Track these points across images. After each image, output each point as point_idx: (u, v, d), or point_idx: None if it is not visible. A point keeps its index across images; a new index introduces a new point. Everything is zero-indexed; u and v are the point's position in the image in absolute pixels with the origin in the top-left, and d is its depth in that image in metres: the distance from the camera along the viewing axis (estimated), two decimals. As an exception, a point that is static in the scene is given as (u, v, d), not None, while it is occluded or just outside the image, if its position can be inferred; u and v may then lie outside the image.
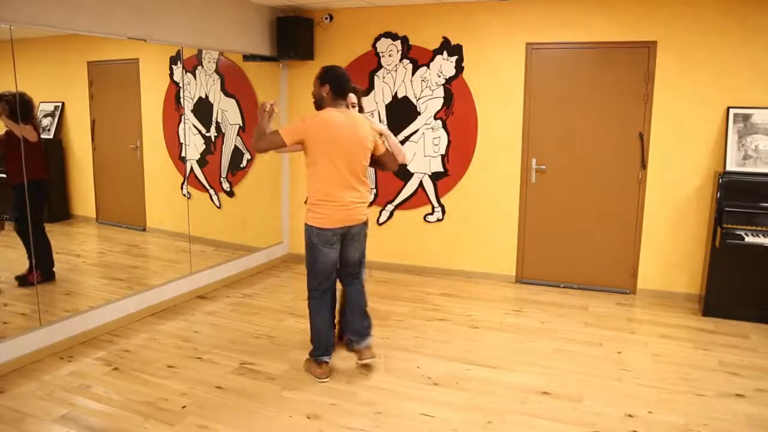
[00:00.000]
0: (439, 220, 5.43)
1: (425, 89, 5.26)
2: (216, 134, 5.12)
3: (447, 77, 5.18)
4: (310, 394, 3.18)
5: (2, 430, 2.81)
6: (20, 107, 3.50)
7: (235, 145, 5.32)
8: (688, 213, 4.65)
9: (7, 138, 3.53)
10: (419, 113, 5.30)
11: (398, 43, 5.28)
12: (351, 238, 3.33)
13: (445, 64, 5.17)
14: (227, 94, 5.18)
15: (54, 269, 3.92)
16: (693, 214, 4.63)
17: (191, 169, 4.92)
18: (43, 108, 4.04)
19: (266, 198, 5.77)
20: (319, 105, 3.30)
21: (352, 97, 3.43)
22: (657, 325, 4.23)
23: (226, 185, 5.27)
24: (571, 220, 5.01)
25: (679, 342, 3.94)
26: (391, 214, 5.58)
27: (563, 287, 5.10)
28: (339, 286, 3.54)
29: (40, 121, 3.99)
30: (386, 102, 5.41)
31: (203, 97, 4.95)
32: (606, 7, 4.64)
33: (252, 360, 3.62)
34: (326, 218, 3.21)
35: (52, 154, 4.12)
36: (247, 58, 5.27)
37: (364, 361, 3.43)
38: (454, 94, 5.17)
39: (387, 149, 3.43)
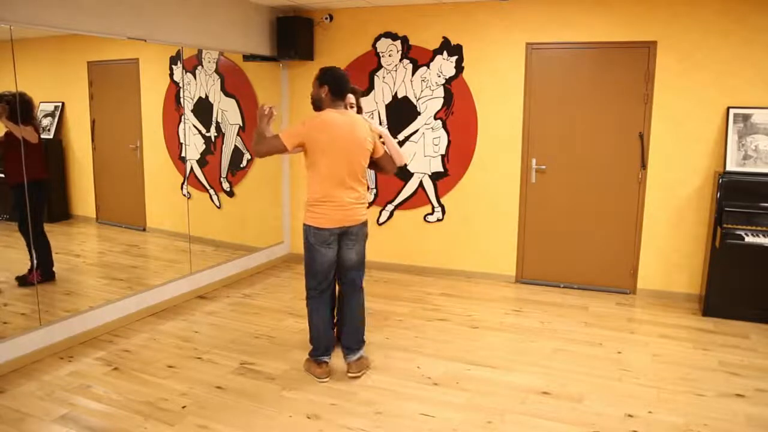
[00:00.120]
0: (439, 220, 5.43)
1: (425, 89, 5.26)
2: (216, 134, 5.12)
3: (447, 77, 5.18)
4: (310, 394, 3.18)
5: (2, 430, 2.81)
6: (20, 107, 3.50)
7: (235, 145, 5.32)
8: (688, 213, 4.65)
9: (6, 139, 3.52)
10: (419, 113, 5.30)
11: (398, 43, 5.28)
12: (349, 238, 3.32)
13: (445, 64, 5.17)
14: (227, 94, 5.18)
15: (54, 269, 3.92)
16: (693, 214, 4.63)
17: (191, 169, 4.92)
18: (43, 108, 4.04)
19: (266, 198, 5.77)
20: (317, 106, 3.30)
21: (351, 98, 3.44)
22: (657, 325, 4.23)
23: (226, 185, 5.27)
24: (571, 220, 5.01)
25: (679, 342, 3.94)
26: (391, 214, 5.58)
27: (563, 287, 5.10)
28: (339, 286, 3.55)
29: (40, 121, 3.99)
30: (386, 102, 5.41)
31: (203, 97, 4.96)
32: (606, 7, 4.64)
33: (252, 360, 3.62)
34: (324, 218, 3.21)
35: (52, 154, 4.12)
36: (247, 58, 5.27)
37: (352, 375, 3.37)
38: (454, 94, 5.17)
39: (385, 152, 3.43)
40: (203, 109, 4.97)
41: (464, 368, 3.51)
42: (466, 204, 5.31)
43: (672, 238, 4.73)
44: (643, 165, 4.74)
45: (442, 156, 5.29)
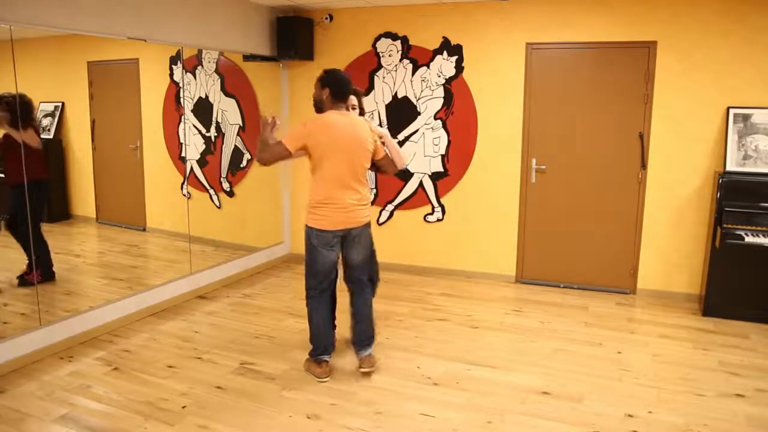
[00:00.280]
0: (439, 220, 5.43)
1: (425, 89, 5.26)
2: (216, 134, 5.12)
3: (447, 77, 5.18)
4: (310, 394, 3.18)
5: (2, 430, 2.81)
6: (20, 109, 3.50)
7: (235, 145, 5.32)
8: (688, 213, 4.65)
9: (6, 140, 3.52)
10: (419, 113, 5.30)
11: (398, 43, 5.28)
12: (352, 240, 3.32)
13: (445, 64, 5.17)
14: (227, 94, 5.18)
15: (54, 269, 3.92)
16: (693, 214, 4.63)
17: (191, 169, 4.92)
18: (43, 108, 4.04)
19: (266, 198, 5.77)
20: (319, 108, 3.30)
21: (353, 99, 3.44)
22: (657, 325, 4.23)
23: (226, 185, 5.27)
24: (571, 220, 5.01)
25: (679, 342, 3.94)
26: (391, 214, 5.58)
27: (563, 287, 5.10)
28: (344, 286, 3.55)
29: (40, 122, 3.99)
30: (386, 102, 5.41)
31: (203, 97, 4.95)
32: (606, 7, 4.64)
33: (252, 360, 3.62)
34: (327, 220, 3.21)
35: (52, 154, 4.12)
36: (247, 58, 5.27)
37: (364, 371, 3.41)
38: (454, 94, 5.17)
39: (386, 153, 3.44)
40: (203, 109, 4.97)
41: (464, 368, 3.51)
42: (466, 204, 5.31)
43: (672, 238, 4.73)
44: (643, 165, 4.74)
45: (442, 156, 5.29)
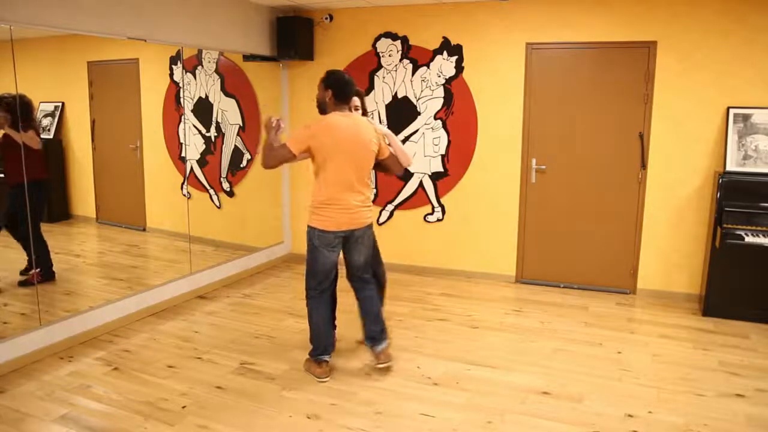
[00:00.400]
0: (439, 220, 5.43)
1: (425, 89, 5.26)
2: (216, 134, 5.12)
3: (447, 77, 5.18)
4: (310, 394, 3.18)
5: (2, 430, 2.81)
6: (20, 110, 3.50)
7: (235, 145, 5.32)
8: (688, 213, 4.65)
9: (6, 140, 3.52)
10: (419, 113, 5.30)
11: (398, 43, 5.28)
12: (354, 241, 3.32)
13: (445, 64, 5.17)
14: (227, 94, 5.18)
15: (53, 269, 3.92)
16: (693, 214, 4.63)
17: (191, 169, 4.92)
18: (43, 108, 4.04)
19: (266, 198, 5.76)
20: (322, 109, 3.30)
21: (355, 100, 3.43)
22: (657, 325, 4.23)
23: (226, 185, 5.27)
24: (571, 220, 5.01)
25: (679, 342, 3.94)
26: (391, 214, 5.58)
27: (563, 287, 5.10)
28: (345, 286, 3.54)
29: (40, 122, 3.99)
30: (386, 102, 5.41)
31: (203, 97, 4.95)
32: (606, 7, 4.64)
33: (252, 360, 3.62)
34: (330, 221, 3.21)
35: (52, 154, 4.12)
36: (247, 58, 5.27)
37: (380, 366, 3.42)
38: (454, 94, 5.17)
39: (391, 153, 3.43)
40: (203, 109, 4.97)
41: (464, 368, 3.51)
42: (466, 204, 5.31)
43: (672, 238, 4.73)
44: (643, 165, 4.74)
45: (442, 156, 5.29)
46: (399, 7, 5.20)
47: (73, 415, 2.94)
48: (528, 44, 4.91)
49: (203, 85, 4.94)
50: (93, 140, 4.26)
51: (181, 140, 4.76)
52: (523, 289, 5.11)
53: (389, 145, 3.45)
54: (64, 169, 4.22)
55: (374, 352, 3.45)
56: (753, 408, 3.05)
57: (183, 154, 4.81)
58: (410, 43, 5.25)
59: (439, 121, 5.25)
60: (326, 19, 5.41)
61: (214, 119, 5.07)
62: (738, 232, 4.11)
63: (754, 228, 4.12)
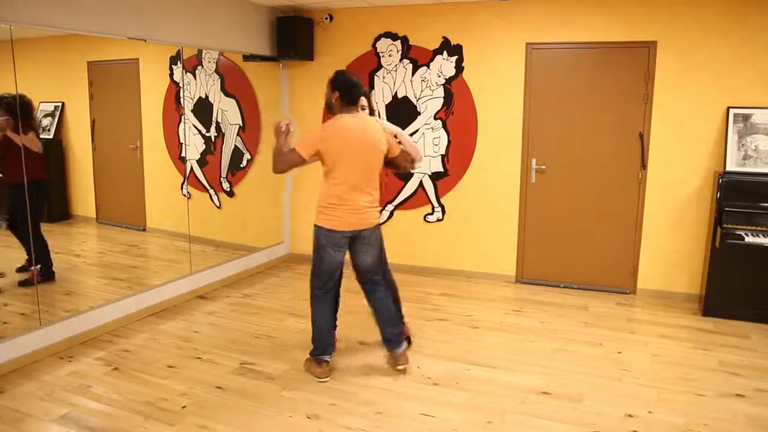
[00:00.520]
0: (439, 220, 5.43)
1: (425, 89, 5.26)
2: (216, 134, 5.12)
3: (447, 77, 5.18)
4: (310, 394, 3.18)
5: (2, 430, 2.81)
6: (20, 110, 3.49)
7: (235, 145, 5.32)
8: (688, 213, 4.65)
9: (5, 142, 3.52)
10: (419, 113, 5.30)
11: (398, 43, 5.28)
12: (362, 241, 3.31)
13: (445, 64, 5.17)
14: (227, 94, 5.18)
15: (53, 269, 3.92)
16: (693, 214, 4.63)
17: (191, 169, 4.92)
18: (43, 108, 4.04)
19: (266, 198, 5.77)
20: (330, 109, 3.31)
21: (362, 100, 3.42)
22: (657, 325, 4.23)
23: (226, 185, 5.27)
24: (571, 220, 5.01)
25: (679, 342, 3.93)
26: (391, 214, 5.58)
27: (563, 287, 5.10)
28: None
29: (40, 122, 3.99)
30: (386, 102, 5.41)
31: (203, 97, 4.95)
32: (606, 7, 4.64)
33: (252, 360, 3.62)
34: (338, 221, 3.21)
35: (52, 154, 4.12)
36: (247, 58, 5.27)
37: (399, 368, 3.41)
38: (454, 94, 5.17)
39: (402, 150, 3.43)
40: (203, 109, 4.97)
41: (464, 368, 3.51)
42: (466, 204, 5.31)
43: (672, 238, 4.73)
44: (643, 165, 4.74)
45: (442, 156, 5.29)
46: (399, 7, 5.20)
47: (73, 415, 2.94)
48: (528, 44, 4.91)
49: (203, 85, 4.94)
50: (93, 140, 4.26)
51: (181, 140, 4.76)
52: (523, 289, 5.11)
53: (399, 142, 3.45)
54: (64, 169, 4.22)
55: (393, 356, 3.44)
56: (753, 408, 3.05)
57: (183, 154, 4.81)
58: (410, 43, 5.25)
59: (439, 121, 5.25)
60: (326, 19, 5.41)
61: (214, 119, 5.07)
62: (738, 232, 4.11)
63: (754, 228, 4.12)
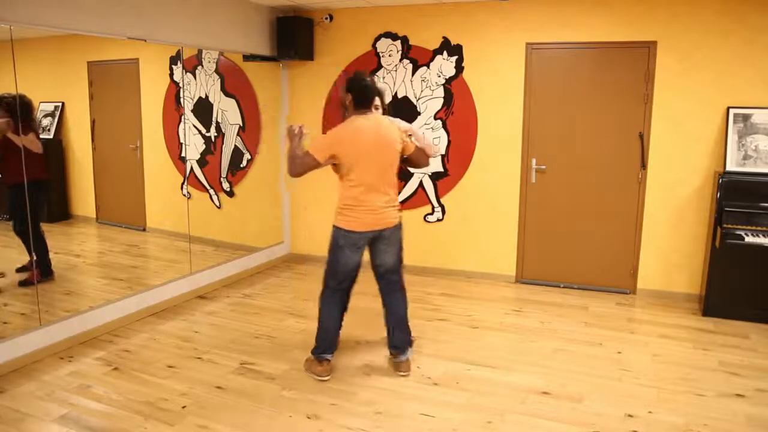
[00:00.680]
0: (439, 220, 5.43)
1: (425, 89, 5.26)
2: (216, 134, 5.12)
3: (447, 77, 5.18)
4: (310, 394, 3.18)
5: (2, 430, 2.81)
6: (20, 110, 3.49)
7: (235, 145, 5.32)
8: (688, 213, 4.65)
9: (5, 142, 3.52)
10: (419, 113, 5.30)
11: (398, 43, 5.28)
12: (383, 241, 3.30)
13: (445, 64, 5.17)
14: (227, 94, 5.18)
15: (52, 267, 3.92)
16: (693, 214, 4.63)
17: (191, 169, 4.92)
18: (43, 108, 4.04)
19: (266, 198, 5.77)
20: (344, 110, 3.31)
21: (375, 99, 3.41)
22: (657, 325, 4.23)
23: (226, 185, 5.27)
24: (571, 220, 5.01)
25: (679, 342, 3.94)
26: (391, 214, 5.57)
27: (563, 287, 5.10)
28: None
29: (40, 122, 3.99)
30: (386, 102, 5.41)
31: (203, 97, 4.96)
32: (606, 7, 4.64)
33: (252, 360, 3.62)
34: (357, 221, 3.20)
35: (52, 154, 4.12)
36: (247, 58, 5.27)
37: (402, 374, 3.40)
38: (454, 94, 5.17)
39: (417, 147, 3.42)
40: (203, 109, 4.97)
41: (464, 368, 3.51)
42: (466, 204, 5.31)
43: (672, 238, 4.73)
44: (643, 165, 4.74)
45: (442, 156, 5.29)
46: (399, 7, 5.20)
47: (73, 415, 2.94)
48: (528, 44, 4.91)
49: (203, 85, 4.94)
50: (93, 140, 4.26)
51: (181, 140, 4.76)
52: (523, 289, 5.11)
53: (414, 139, 3.44)
54: (64, 169, 4.22)
55: (396, 362, 3.44)
56: (753, 408, 3.05)
57: (183, 154, 4.81)
58: (410, 43, 5.25)
59: (439, 121, 5.25)
60: (326, 19, 5.41)
61: (214, 119, 5.07)
62: (738, 232, 4.11)
63: (754, 228, 4.12)
